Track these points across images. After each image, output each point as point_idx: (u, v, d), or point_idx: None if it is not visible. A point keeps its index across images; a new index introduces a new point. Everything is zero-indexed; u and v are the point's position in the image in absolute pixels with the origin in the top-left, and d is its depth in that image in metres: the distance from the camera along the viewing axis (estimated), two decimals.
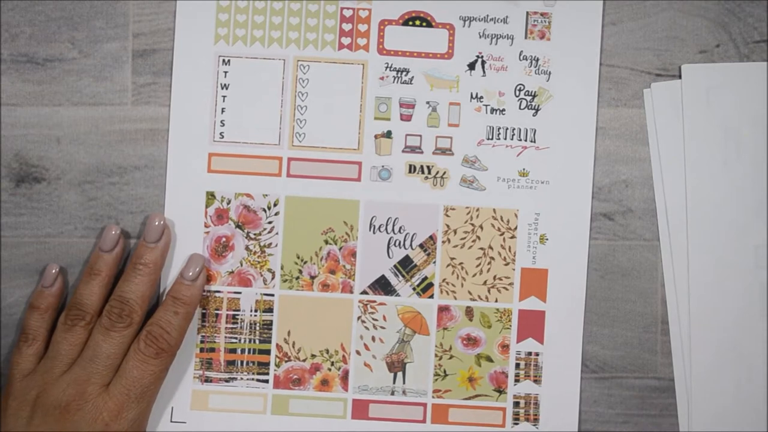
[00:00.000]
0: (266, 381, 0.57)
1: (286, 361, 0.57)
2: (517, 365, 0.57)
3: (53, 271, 0.55)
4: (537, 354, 0.57)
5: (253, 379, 0.56)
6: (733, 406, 0.56)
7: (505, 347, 0.57)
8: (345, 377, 0.57)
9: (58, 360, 0.52)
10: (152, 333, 0.53)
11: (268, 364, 0.57)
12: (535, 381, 0.56)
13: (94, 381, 0.51)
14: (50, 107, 0.57)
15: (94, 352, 0.52)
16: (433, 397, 0.57)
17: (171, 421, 0.56)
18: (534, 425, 0.56)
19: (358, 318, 0.57)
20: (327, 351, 0.57)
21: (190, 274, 0.54)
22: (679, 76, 0.57)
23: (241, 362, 0.57)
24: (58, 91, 0.57)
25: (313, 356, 0.57)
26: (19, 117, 0.57)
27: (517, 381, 0.57)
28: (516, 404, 0.56)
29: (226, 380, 0.56)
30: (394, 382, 0.57)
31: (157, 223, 0.55)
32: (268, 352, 0.57)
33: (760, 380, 0.56)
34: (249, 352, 0.57)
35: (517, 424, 0.56)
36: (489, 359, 0.57)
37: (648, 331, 0.57)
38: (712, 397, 0.56)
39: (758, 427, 0.56)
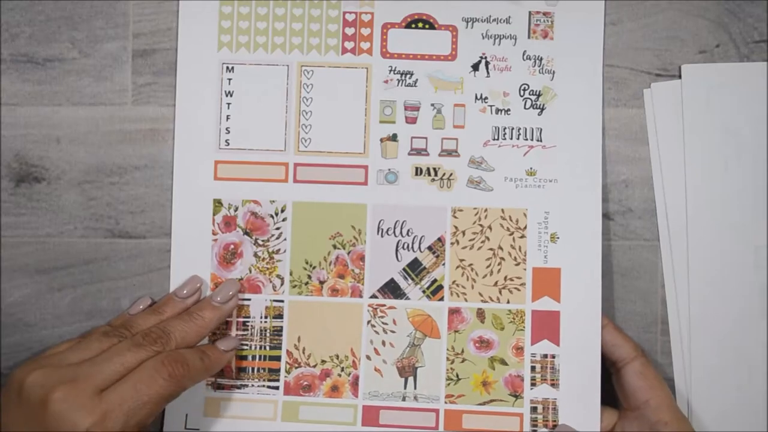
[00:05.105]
0: (277, 387, 0.56)
1: (296, 368, 0.56)
2: (533, 368, 0.56)
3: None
4: (553, 356, 0.56)
5: (263, 386, 0.56)
6: (733, 406, 0.56)
7: (519, 349, 0.56)
8: (355, 383, 0.56)
9: (76, 356, 0.50)
10: (172, 357, 0.50)
11: (278, 370, 0.56)
12: (553, 385, 0.55)
13: (92, 381, 0.49)
14: (50, 107, 0.57)
15: (112, 356, 0.50)
16: (445, 402, 0.56)
17: (185, 428, 0.56)
18: None
19: (368, 322, 0.56)
20: (337, 356, 0.56)
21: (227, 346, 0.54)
22: (679, 76, 0.57)
23: (252, 369, 0.56)
24: (58, 91, 0.57)
25: (323, 362, 0.56)
26: (19, 117, 0.56)
27: (533, 385, 0.55)
28: (534, 409, 0.55)
29: (238, 387, 0.56)
30: (405, 388, 0.56)
31: (231, 292, 0.55)
32: (278, 358, 0.56)
33: (761, 380, 0.56)
34: (260, 359, 0.56)
35: (535, 430, 0.55)
36: (503, 362, 0.56)
37: (648, 331, 0.57)
38: (712, 397, 0.56)
39: (758, 427, 0.56)
